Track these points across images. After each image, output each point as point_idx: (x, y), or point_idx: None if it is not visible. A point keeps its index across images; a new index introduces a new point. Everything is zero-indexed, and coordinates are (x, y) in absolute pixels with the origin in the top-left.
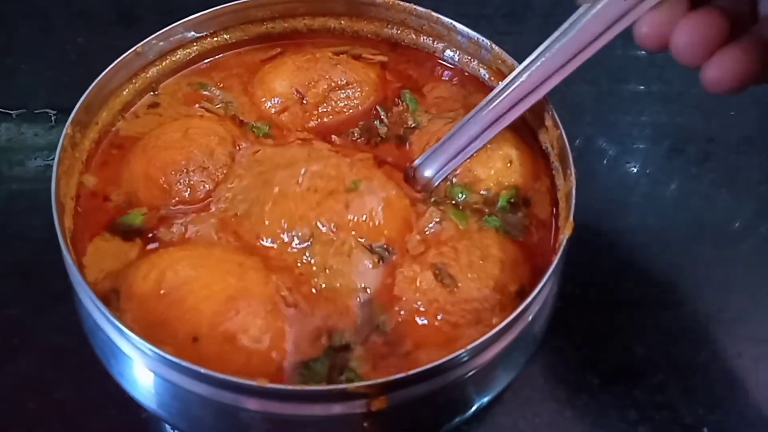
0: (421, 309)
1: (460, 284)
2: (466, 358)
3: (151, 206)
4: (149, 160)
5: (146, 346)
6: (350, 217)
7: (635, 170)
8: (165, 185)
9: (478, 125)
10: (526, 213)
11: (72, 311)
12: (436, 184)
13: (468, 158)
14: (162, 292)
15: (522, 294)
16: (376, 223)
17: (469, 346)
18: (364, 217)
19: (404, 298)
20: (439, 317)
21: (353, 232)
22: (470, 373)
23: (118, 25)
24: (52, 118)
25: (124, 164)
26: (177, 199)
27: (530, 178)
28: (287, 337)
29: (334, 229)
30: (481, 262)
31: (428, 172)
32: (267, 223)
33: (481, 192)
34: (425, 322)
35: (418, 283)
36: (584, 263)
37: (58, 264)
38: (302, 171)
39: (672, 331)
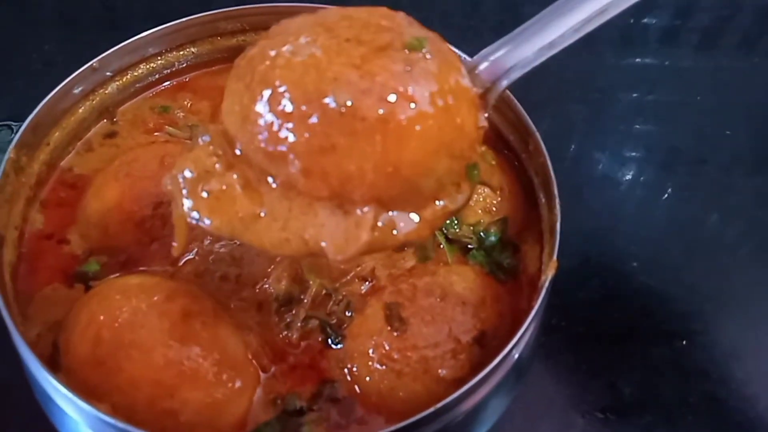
0: (371, 354)
1: (409, 329)
2: (452, 406)
3: (118, 245)
4: (123, 190)
5: (84, 406)
6: (412, 88)
7: (626, 184)
8: (140, 219)
9: (572, 16)
10: (514, 254)
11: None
12: (503, 87)
13: (551, 55)
14: (99, 358)
15: (481, 340)
16: (449, 102)
17: (441, 404)
18: (435, 89)
19: (358, 345)
20: (382, 366)
21: (412, 106)
22: (455, 421)
23: (94, 31)
24: (14, 132)
25: (90, 195)
26: (151, 236)
27: (521, 212)
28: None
29: (392, 100)
30: (440, 302)
31: (496, 71)
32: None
33: (471, 225)
34: (373, 371)
35: (370, 325)
36: (571, 292)
37: None
38: (336, 16)
39: (661, 367)
